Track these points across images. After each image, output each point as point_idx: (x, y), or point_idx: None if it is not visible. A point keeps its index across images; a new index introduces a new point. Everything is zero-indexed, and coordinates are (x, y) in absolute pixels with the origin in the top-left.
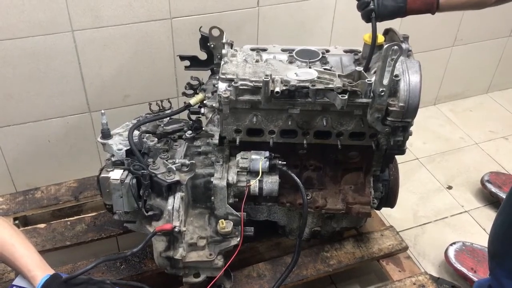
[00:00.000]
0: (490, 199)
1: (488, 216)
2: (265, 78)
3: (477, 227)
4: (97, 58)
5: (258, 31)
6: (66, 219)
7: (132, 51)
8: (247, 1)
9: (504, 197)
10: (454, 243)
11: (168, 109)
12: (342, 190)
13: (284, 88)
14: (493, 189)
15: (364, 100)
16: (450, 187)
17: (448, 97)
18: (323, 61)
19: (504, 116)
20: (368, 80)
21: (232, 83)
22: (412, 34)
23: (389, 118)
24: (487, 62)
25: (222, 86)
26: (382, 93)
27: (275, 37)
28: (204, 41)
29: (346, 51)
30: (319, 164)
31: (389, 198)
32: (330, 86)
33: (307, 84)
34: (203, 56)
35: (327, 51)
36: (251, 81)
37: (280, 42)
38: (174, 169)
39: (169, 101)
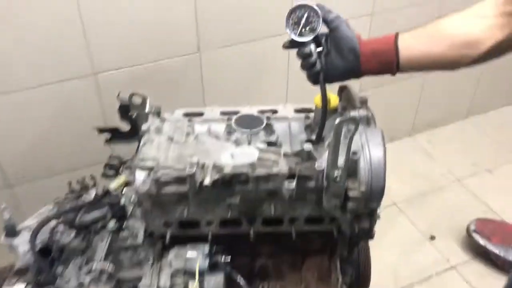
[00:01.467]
0: (478, 250)
1: (478, 273)
2: (188, 170)
3: (467, 287)
4: (9, 128)
5: (202, 78)
6: None
7: (52, 115)
8: (186, 47)
9: (494, 250)
10: None
11: (92, 187)
12: (304, 279)
13: (216, 177)
14: (481, 242)
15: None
16: (433, 238)
17: (425, 126)
18: (268, 130)
19: (486, 144)
20: (317, 167)
21: (152, 172)
22: None
23: (350, 204)
24: (465, 85)
25: (139, 176)
26: (337, 178)
27: (223, 81)
28: (125, 109)
29: (297, 110)
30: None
31: (360, 281)
32: (274, 171)
33: (245, 170)
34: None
35: (274, 111)
36: (175, 170)
37: (229, 86)
38: (87, 283)
39: (92, 178)
